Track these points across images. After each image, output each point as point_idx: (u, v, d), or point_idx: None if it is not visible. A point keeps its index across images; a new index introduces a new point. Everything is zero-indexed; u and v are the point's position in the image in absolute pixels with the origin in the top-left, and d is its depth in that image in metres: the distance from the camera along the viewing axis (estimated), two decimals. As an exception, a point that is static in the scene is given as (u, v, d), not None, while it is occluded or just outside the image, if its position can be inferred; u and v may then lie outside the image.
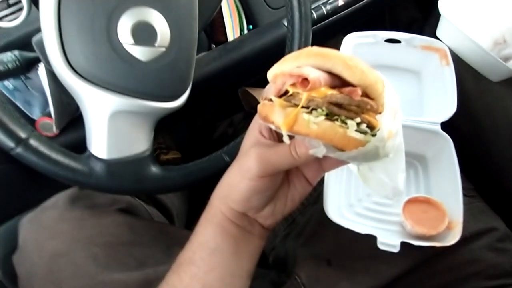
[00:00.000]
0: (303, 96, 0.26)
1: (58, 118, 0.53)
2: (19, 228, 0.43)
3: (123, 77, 0.37)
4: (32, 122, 0.56)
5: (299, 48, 0.44)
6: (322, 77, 0.27)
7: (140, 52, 0.37)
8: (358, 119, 0.26)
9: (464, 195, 0.43)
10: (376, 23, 1.08)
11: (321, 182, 0.46)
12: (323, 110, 0.26)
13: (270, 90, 0.30)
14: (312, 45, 0.79)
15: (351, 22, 0.74)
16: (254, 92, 0.98)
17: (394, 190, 0.31)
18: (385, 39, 0.55)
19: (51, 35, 0.35)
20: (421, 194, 0.45)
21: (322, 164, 0.32)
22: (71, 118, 0.55)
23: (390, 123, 0.28)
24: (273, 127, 0.29)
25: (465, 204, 0.42)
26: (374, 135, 0.26)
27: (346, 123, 0.26)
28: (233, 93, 0.96)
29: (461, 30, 0.52)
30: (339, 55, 0.27)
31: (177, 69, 0.40)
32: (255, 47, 0.63)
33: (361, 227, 0.41)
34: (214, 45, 0.68)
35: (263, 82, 0.45)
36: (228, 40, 0.67)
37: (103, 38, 0.36)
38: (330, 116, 0.26)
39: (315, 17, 0.65)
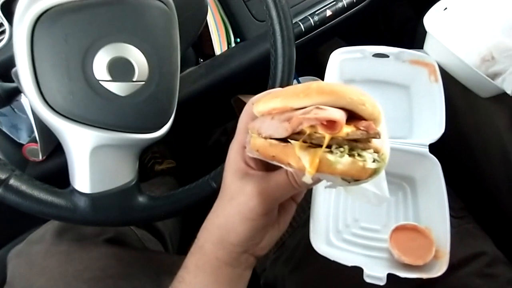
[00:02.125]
0: (326, 137, 0.26)
1: (43, 145, 0.53)
2: (7, 261, 0.43)
3: (102, 113, 0.37)
4: (19, 146, 0.56)
5: (283, 72, 0.43)
6: (343, 115, 0.27)
7: (118, 88, 0.36)
8: (371, 150, 0.27)
9: (453, 216, 0.43)
10: (369, 23, 1.07)
11: (310, 205, 0.46)
12: (344, 149, 0.26)
13: (264, 126, 0.29)
14: (306, 51, 0.79)
15: (343, 28, 0.73)
16: (247, 99, 0.97)
17: (379, 197, 0.31)
18: (373, 53, 0.54)
19: (26, 74, 0.35)
20: (408, 222, 0.45)
21: None
22: (58, 143, 0.55)
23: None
24: (289, 168, 0.27)
25: (454, 227, 0.42)
26: (383, 160, 0.27)
27: (362, 156, 0.26)
28: (226, 101, 0.95)
29: (447, 48, 0.51)
30: (353, 92, 0.27)
31: (157, 101, 0.39)
32: (243, 62, 0.63)
33: (347, 257, 0.41)
34: (201, 60, 0.67)
35: (255, 90, 0.45)
36: (216, 54, 0.66)
37: (79, 76, 0.35)
38: (349, 152, 0.26)
39: (303, 29, 0.63)
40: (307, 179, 0.27)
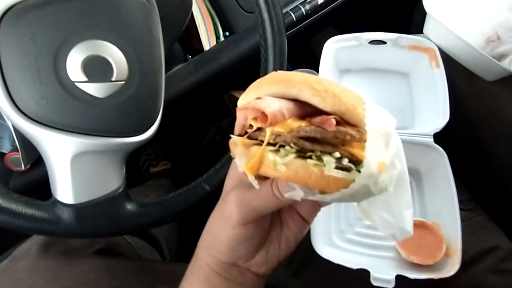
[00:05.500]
0: (267, 133, 0.23)
1: (25, 154, 0.50)
2: (-9, 279, 0.41)
3: (80, 117, 0.34)
4: (2, 156, 0.53)
5: (274, 64, 0.41)
6: (286, 107, 0.23)
7: (95, 89, 0.34)
8: (337, 154, 0.22)
9: (462, 209, 0.40)
10: (363, 10, 1.04)
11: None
12: (291, 147, 0.22)
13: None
14: (298, 42, 0.76)
15: (336, 16, 0.70)
16: (240, 95, 0.94)
17: (400, 230, 0.26)
18: (369, 40, 0.51)
19: (-6, 79, 0.32)
20: (415, 218, 0.42)
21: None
22: (41, 151, 0.52)
23: (380, 152, 0.23)
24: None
25: (464, 220, 0.39)
26: (359, 171, 0.22)
27: (322, 160, 0.22)
28: (219, 97, 0.92)
29: (449, 29, 0.48)
30: (304, 80, 0.23)
31: (140, 101, 0.37)
32: (233, 56, 0.60)
33: (352, 259, 0.38)
34: (190, 56, 0.64)
35: (249, 85, 0.42)
36: (204, 49, 0.63)
37: (51, 78, 0.32)
38: (303, 153, 0.22)
39: (294, 19, 0.61)
40: (253, 183, 0.24)
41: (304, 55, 1.00)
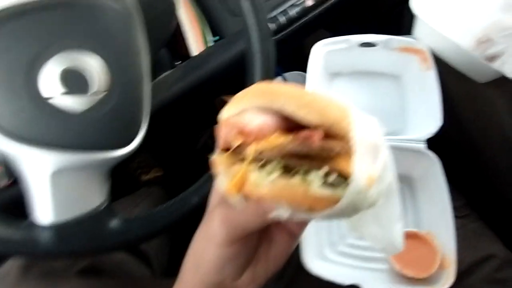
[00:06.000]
0: (250, 150, 0.22)
1: (6, 167, 0.48)
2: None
3: (58, 132, 0.32)
4: (-17, 170, 0.51)
5: (262, 71, 0.39)
6: (270, 122, 0.22)
7: (74, 102, 0.32)
8: (324, 169, 0.21)
9: (456, 216, 0.39)
10: (355, 11, 1.03)
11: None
12: (276, 164, 0.21)
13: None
14: (290, 45, 0.75)
15: (327, 18, 0.69)
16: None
17: (389, 246, 0.25)
18: (359, 43, 0.50)
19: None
20: (408, 228, 0.41)
21: None
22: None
23: (369, 165, 0.22)
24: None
25: (458, 228, 0.38)
26: (348, 186, 0.21)
27: (308, 177, 0.21)
28: (210, 102, 0.91)
29: (438, 31, 0.47)
30: (289, 92, 0.22)
31: (122, 113, 0.35)
32: (222, 62, 0.58)
33: (344, 273, 0.37)
34: (178, 62, 0.62)
35: (241, 89, 0.41)
36: (192, 54, 0.61)
37: (26, 92, 0.30)
38: (288, 170, 0.21)
39: (284, 22, 0.59)
40: (237, 203, 0.22)
41: (296, 57, 0.99)
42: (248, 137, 0.21)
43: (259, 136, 0.21)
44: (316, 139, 0.21)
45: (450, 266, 0.37)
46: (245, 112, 0.22)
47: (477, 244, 0.44)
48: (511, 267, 0.43)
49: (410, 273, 0.38)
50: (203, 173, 0.42)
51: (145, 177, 0.96)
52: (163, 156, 1.02)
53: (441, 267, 0.38)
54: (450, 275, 0.36)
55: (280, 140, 0.21)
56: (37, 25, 0.29)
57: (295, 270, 0.44)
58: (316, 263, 0.38)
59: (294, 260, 0.44)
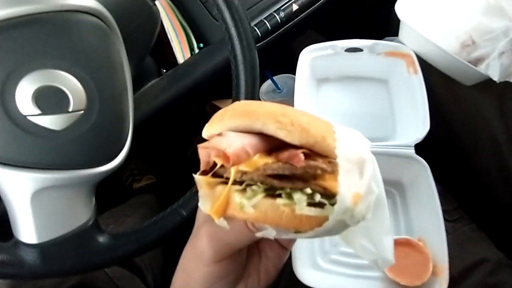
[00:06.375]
0: (231, 173, 0.21)
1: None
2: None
3: (35, 152, 0.32)
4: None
5: (246, 81, 0.39)
6: (250, 144, 0.21)
7: (51, 121, 0.31)
8: (309, 189, 0.21)
9: (448, 220, 0.39)
10: (341, 12, 1.03)
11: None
12: (259, 186, 0.21)
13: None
14: (278, 48, 0.74)
15: (314, 21, 0.69)
16: (222, 105, 0.92)
17: (381, 259, 0.25)
18: (345, 48, 0.50)
19: None
20: (400, 235, 0.41)
21: None
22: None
23: (355, 182, 0.22)
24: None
25: (449, 233, 0.38)
26: (334, 204, 0.20)
27: (293, 198, 0.20)
28: (199, 109, 0.90)
29: (423, 35, 0.47)
30: (269, 112, 0.22)
31: (103, 130, 0.34)
32: (207, 69, 0.58)
33: (337, 283, 0.36)
34: (164, 70, 0.62)
35: (230, 94, 0.40)
36: (178, 62, 0.61)
37: (1, 112, 0.30)
38: (272, 191, 0.21)
39: (270, 27, 0.59)
40: (221, 224, 0.22)
41: (285, 59, 0.98)
42: (228, 160, 0.20)
43: (240, 159, 0.20)
44: (299, 159, 0.20)
45: (443, 273, 0.37)
46: (226, 134, 0.22)
47: (469, 248, 0.44)
48: (503, 271, 0.43)
49: (403, 281, 0.38)
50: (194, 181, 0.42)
51: (137, 185, 0.95)
52: (155, 163, 1.02)
53: (434, 274, 0.38)
54: (443, 283, 0.36)
55: (262, 162, 0.21)
56: (10, 43, 0.29)
57: (288, 282, 0.44)
58: (308, 272, 0.37)
59: (287, 272, 0.43)
